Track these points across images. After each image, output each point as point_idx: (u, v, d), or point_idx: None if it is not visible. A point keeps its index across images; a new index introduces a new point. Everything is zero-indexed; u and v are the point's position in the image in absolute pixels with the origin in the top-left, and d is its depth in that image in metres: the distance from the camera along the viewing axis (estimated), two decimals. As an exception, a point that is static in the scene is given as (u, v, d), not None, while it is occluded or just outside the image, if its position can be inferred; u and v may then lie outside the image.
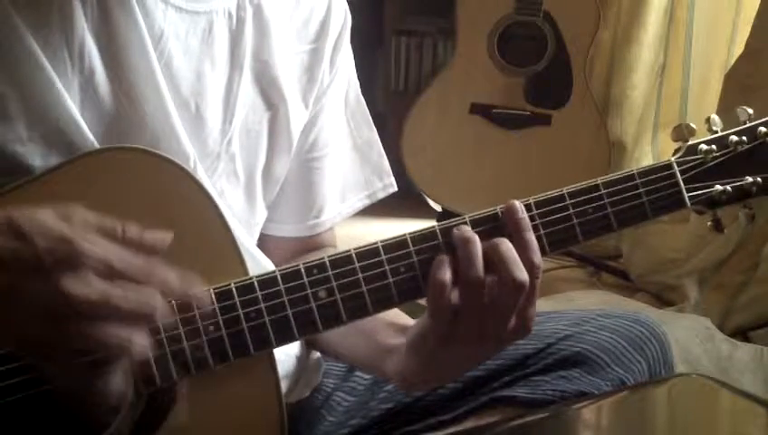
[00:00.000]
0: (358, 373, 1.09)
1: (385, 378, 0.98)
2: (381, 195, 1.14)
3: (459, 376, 0.97)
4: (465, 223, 0.83)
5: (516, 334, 0.84)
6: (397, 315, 0.93)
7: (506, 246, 0.81)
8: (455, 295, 0.81)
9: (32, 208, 0.69)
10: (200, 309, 0.76)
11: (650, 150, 2.80)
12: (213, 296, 0.77)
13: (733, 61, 2.45)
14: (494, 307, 0.81)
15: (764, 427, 0.96)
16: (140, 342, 0.69)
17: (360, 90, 1.11)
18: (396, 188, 1.15)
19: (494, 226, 0.84)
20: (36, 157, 0.82)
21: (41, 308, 0.67)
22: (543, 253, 0.85)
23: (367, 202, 1.13)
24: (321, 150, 1.07)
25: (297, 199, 1.08)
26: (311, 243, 1.09)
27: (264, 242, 1.07)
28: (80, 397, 0.73)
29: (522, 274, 0.81)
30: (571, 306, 2.02)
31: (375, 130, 1.13)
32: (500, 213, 0.84)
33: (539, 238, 0.85)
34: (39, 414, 0.75)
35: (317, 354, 1.08)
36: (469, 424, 1.01)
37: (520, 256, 0.81)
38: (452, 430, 1.02)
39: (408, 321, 0.93)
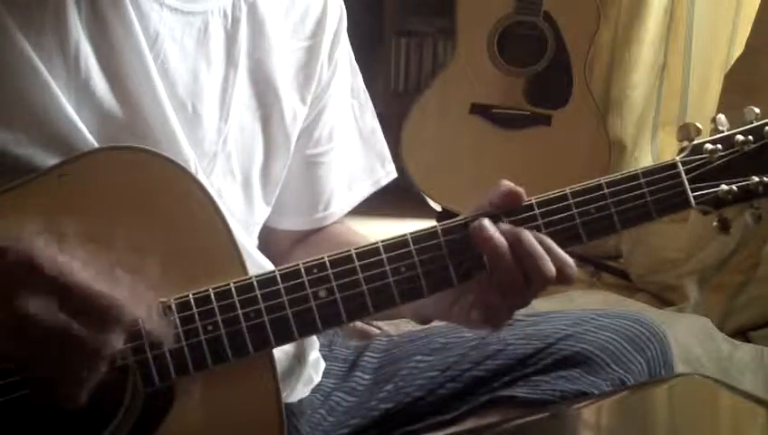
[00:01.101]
0: (358, 373, 1.09)
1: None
2: (384, 181, 1.15)
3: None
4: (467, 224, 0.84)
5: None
6: None
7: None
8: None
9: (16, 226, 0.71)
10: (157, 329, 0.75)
11: (650, 150, 2.80)
12: (213, 297, 0.77)
13: (733, 61, 2.45)
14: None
15: (764, 427, 0.97)
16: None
17: (361, 79, 1.12)
18: (396, 174, 1.16)
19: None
20: (37, 158, 0.82)
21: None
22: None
23: (372, 190, 1.14)
24: (326, 145, 1.07)
25: (304, 193, 1.08)
26: (321, 234, 1.10)
27: (271, 235, 1.08)
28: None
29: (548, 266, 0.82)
30: (571, 306, 2.02)
31: (376, 116, 1.15)
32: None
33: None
34: (39, 414, 0.75)
35: (316, 354, 1.08)
36: (469, 424, 1.01)
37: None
38: (452, 430, 1.02)
39: None
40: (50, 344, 0.70)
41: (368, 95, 1.13)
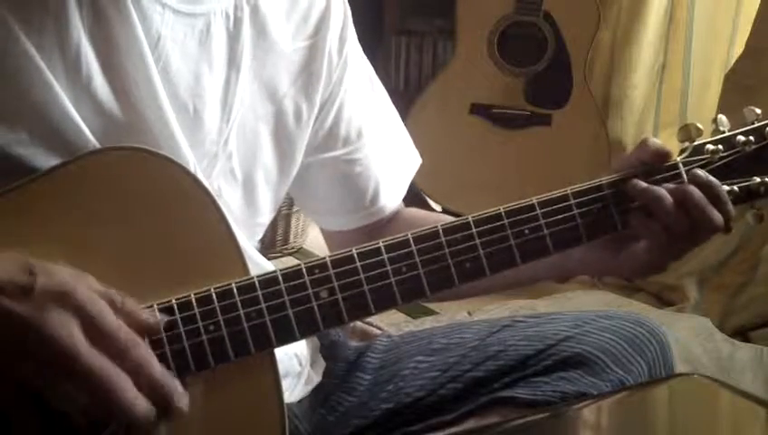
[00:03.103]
0: (358, 373, 1.09)
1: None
2: (415, 167, 1.17)
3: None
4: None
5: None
6: None
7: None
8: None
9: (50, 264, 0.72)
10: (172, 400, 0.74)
11: (650, 150, 2.80)
12: (214, 297, 0.78)
13: (733, 61, 2.45)
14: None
15: (764, 427, 0.96)
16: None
17: (372, 69, 1.13)
18: (420, 160, 1.17)
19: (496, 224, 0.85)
20: (38, 158, 0.82)
21: (12, 328, 0.69)
22: (547, 253, 0.86)
23: (412, 173, 1.16)
24: (356, 142, 1.08)
25: (347, 193, 1.09)
26: (377, 226, 1.11)
27: (332, 237, 1.11)
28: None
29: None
30: (571, 307, 2.02)
31: (392, 104, 1.16)
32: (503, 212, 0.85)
33: (542, 238, 0.85)
34: (39, 414, 0.75)
35: (317, 354, 1.08)
36: (469, 425, 1.01)
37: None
38: (452, 430, 1.02)
39: None
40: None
41: (381, 84, 1.14)
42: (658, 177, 0.89)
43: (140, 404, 0.70)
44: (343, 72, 1.05)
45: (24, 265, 0.70)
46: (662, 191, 0.87)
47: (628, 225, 0.88)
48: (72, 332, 0.69)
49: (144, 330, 0.73)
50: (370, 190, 1.10)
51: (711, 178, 0.88)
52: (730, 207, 0.88)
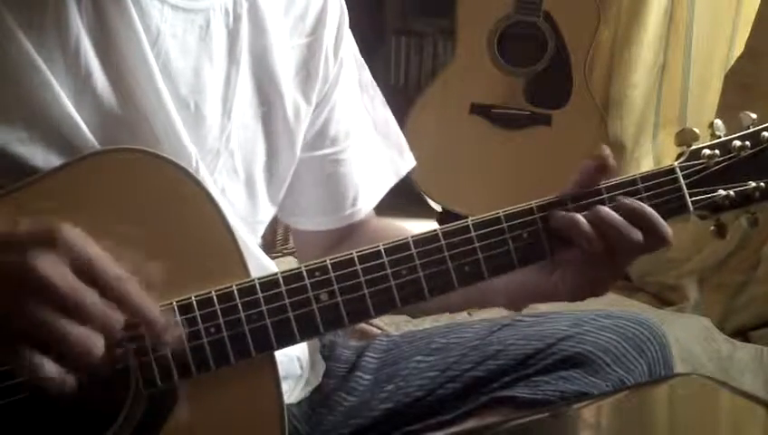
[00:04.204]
0: (358, 373, 1.09)
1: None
2: (404, 170, 1.17)
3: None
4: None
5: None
6: None
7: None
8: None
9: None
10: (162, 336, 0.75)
11: (650, 150, 2.79)
12: (215, 299, 0.78)
13: (733, 61, 2.45)
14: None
15: (764, 427, 0.97)
16: (97, 344, 0.70)
17: (368, 72, 1.13)
18: (415, 162, 1.17)
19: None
20: (38, 157, 0.83)
21: (7, 278, 0.69)
22: (544, 257, 0.86)
23: (395, 179, 1.16)
24: (343, 143, 1.08)
25: (329, 193, 1.09)
26: (349, 230, 1.11)
27: (302, 237, 1.10)
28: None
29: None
30: (571, 306, 2.02)
31: (388, 107, 1.16)
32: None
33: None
34: (39, 414, 0.76)
35: (317, 354, 1.08)
36: (469, 424, 1.01)
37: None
38: (452, 430, 1.02)
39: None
40: (58, 307, 0.69)
41: (376, 86, 1.14)
42: (583, 202, 0.88)
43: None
44: (338, 72, 1.05)
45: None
46: (576, 217, 0.86)
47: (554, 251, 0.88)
48: (64, 271, 0.69)
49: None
50: (351, 193, 1.09)
51: (632, 202, 0.87)
52: (660, 226, 0.87)
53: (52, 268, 0.69)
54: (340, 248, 0.86)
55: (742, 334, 2.12)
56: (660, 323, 1.08)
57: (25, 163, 0.82)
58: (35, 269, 0.68)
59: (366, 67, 1.13)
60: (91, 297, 0.70)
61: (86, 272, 0.70)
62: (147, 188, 0.81)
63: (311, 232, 1.11)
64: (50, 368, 0.69)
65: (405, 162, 1.17)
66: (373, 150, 1.13)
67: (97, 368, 0.71)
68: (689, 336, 1.96)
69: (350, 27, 1.08)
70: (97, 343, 0.70)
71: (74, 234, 0.71)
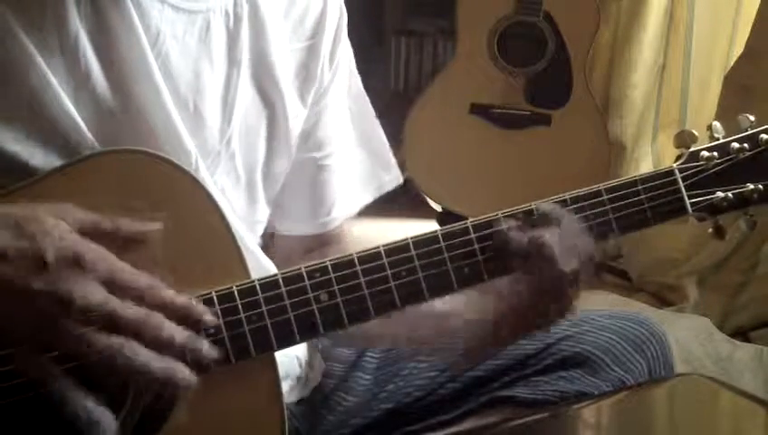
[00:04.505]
0: (358, 373, 1.09)
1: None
2: (388, 187, 1.15)
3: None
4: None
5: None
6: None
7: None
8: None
9: (30, 207, 0.72)
10: (203, 318, 0.76)
11: (650, 151, 2.80)
12: (215, 300, 0.78)
13: (733, 61, 2.45)
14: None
15: (764, 427, 0.97)
16: (142, 353, 0.72)
17: (361, 84, 1.12)
18: (402, 181, 1.16)
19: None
20: (37, 156, 0.83)
21: (37, 306, 0.69)
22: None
23: (375, 195, 1.13)
24: (327, 148, 1.07)
25: (308, 198, 1.08)
26: (323, 238, 1.10)
27: (278, 241, 1.08)
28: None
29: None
30: (570, 306, 2.02)
31: (378, 122, 1.14)
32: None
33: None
34: (40, 415, 0.76)
35: (317, 354, 1.08)
36: (469, 424, 1.02)
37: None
38: (452, 430, 1.02)
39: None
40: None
41: (367, 99, 1.12)
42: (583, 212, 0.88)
43: (178, 333, 0.74)
44: (332, 77, 1.05)
45: (8, 223, 0.71)
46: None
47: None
48: (102, 293, 0.71)
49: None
50: (330, 199, 1.08)
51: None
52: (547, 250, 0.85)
53: (91, 294, 0.70)
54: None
55: (742, 334, 2.12)
56: (660, 323, 1.08)
57: (25, 163, 0.82)
58: (72, 297, 0.70)
59: (358, 77, 1.11)
60: (137, 312, 0.72)
61: (119, 287, 0.72)
62: (147, 188, 0.81)
63: (285, 236, 1.10)
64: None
65: (390, 179, 1.14)
66: (356, 162, 1.11)
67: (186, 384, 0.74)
68: (689, 336, 1.96)
69: (350, 27, 1.07)
70: (179, 366, 0.73)
71: (99, 253, 0.72)
